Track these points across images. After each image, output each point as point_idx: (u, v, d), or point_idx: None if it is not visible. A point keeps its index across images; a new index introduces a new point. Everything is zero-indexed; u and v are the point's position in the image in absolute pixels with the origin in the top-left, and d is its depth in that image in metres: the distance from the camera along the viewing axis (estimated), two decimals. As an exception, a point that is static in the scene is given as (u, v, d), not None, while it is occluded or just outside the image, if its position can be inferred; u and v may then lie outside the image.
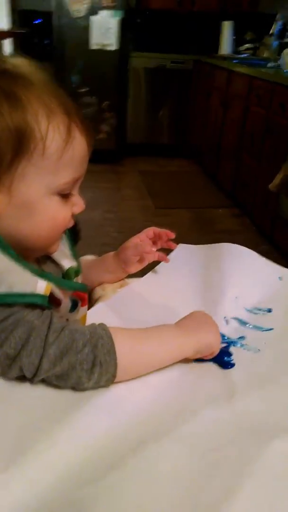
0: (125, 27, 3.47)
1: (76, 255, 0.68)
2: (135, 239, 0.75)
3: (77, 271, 0.66)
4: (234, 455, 0.43)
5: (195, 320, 0.57)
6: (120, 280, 0.77)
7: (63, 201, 0.52)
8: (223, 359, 0.58)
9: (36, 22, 3.27)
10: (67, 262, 0.65)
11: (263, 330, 0.64)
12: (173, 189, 3.58)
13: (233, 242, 0.84)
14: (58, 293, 0.53)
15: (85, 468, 0.41)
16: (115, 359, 0.47)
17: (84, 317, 0.62)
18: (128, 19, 3.49)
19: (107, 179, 3.70)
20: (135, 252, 0.74)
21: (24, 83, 0.47)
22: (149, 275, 0.78)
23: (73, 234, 0.75)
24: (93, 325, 0.51)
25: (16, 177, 0.47)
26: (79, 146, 0.50)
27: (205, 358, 0.56)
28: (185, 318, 0.58)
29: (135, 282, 0.76)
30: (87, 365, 0.46)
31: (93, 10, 3.34)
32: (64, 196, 0.52)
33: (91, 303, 0.71)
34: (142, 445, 0.43)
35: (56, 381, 0.48)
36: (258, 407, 0.49)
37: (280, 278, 0.77)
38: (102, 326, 0.51)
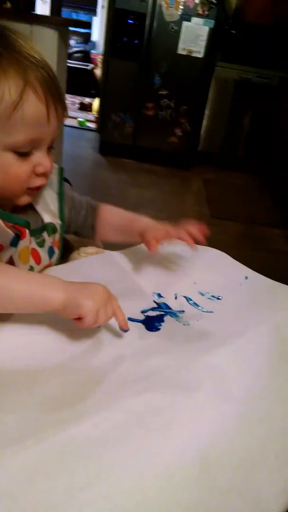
0: (214, 36, 3.52)
1: (63, 217, 0.75)
2: (173, 233, 0.75)
3: (54, 229, 0.73)
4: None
5: (85, 285, 0.56)
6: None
7: (20, 158, 0.57)
8: (151, 323, 0.61)
9: (130, 22, 3.40)
10: (48, 217, 0.72)
11: (203, 311, 0.67)
12: (234, 202, 3.55)
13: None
14: None
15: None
16: None
17: (25, 251, 0.66)
18: (219, 29, 3.53)
19: (170, 182, 3.77)
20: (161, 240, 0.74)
21: None
22: (126, 250, 0.82)
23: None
24: None
25: None
26: (33, 109, 0.54)
27: (77, 323, 0.54)
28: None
29: (109, 252, 0.80)
30: None
31: (187, 16, 3.43)
32: (22, 154, 0.57)
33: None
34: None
35: None
36: (151, 364, 0.52)
37: (246, 277, 0.78)
38: None
